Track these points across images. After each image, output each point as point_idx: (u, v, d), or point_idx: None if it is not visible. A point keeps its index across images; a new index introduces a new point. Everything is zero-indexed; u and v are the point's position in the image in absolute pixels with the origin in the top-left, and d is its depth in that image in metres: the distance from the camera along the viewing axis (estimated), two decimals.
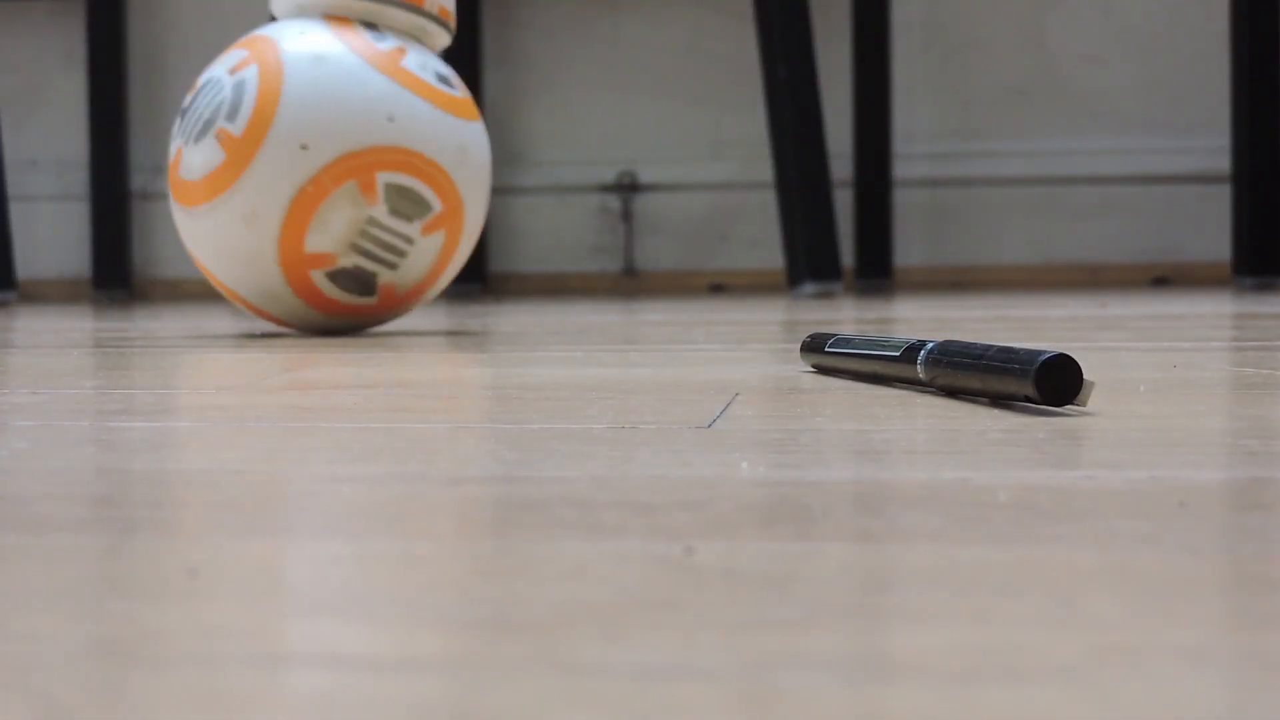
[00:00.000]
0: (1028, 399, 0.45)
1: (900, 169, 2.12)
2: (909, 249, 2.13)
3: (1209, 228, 2.07)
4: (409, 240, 0.97)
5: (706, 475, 0.34)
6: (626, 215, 2.18)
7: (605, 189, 2.18)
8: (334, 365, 0.72)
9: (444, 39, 1.04)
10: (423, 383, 0.61)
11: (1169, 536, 0.27)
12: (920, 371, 0.52)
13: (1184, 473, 0.34)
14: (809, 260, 1.75)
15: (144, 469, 0.37)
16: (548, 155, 2.20)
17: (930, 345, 0.52)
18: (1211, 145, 2.06)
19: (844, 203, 2.08)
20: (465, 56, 2.14)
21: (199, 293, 2.22)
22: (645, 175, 2.18)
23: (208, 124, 0.97)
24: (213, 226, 0.97)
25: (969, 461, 0.36)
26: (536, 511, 0.30)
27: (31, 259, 2.26)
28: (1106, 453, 0.37)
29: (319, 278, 0.97)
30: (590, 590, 0.23)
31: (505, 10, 2.20)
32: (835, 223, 1.78)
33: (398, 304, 1.01)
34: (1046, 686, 0.18)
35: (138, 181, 2.24)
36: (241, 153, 0.95)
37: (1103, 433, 0.41)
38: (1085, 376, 0.45)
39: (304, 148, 0.94)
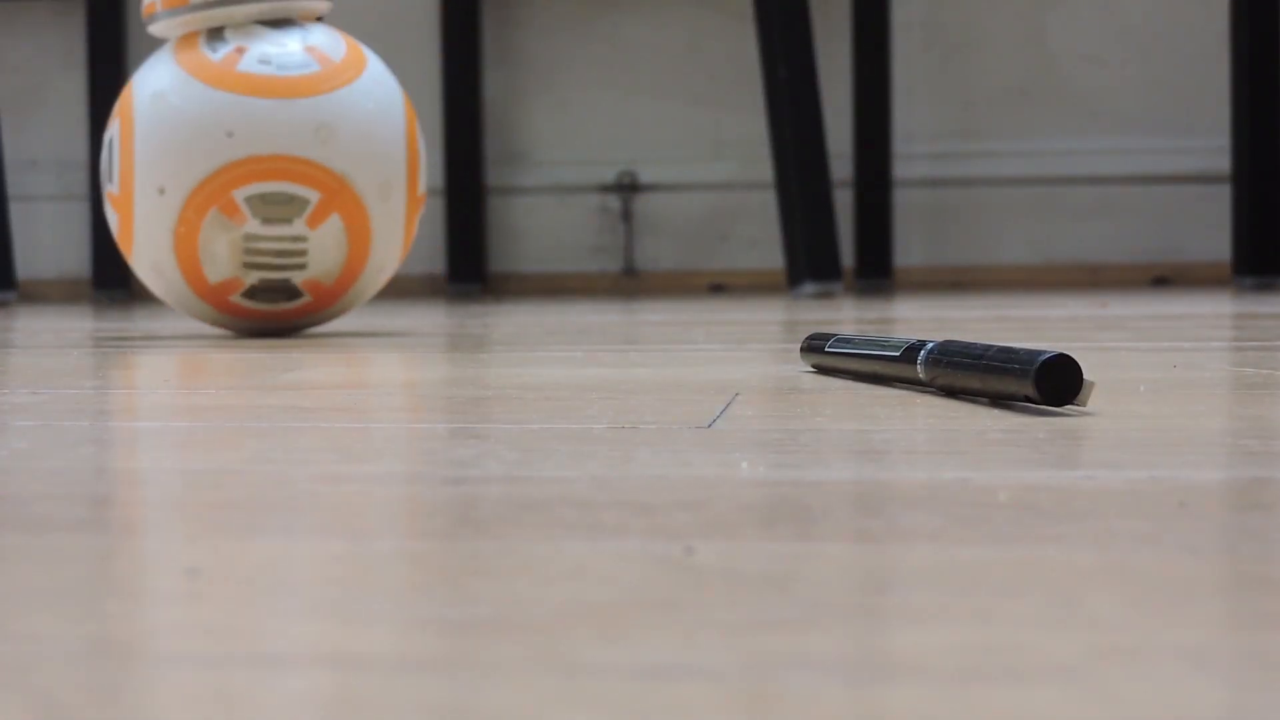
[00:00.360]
0: (1028, 399, 0.45)
1: (900, 169, 2.12)
2: (909, 249, 2.13)
3: (1209, 228, 2.07)
4: (299, 239, 0.95)
5: (706, 475, 0.34)
6: (626, 215, 2.18)
7: (605, 189, 2.18)
8: (334, 365, 0.72)
9: (322, 6, 0.99)
10: (423, 383, 0.61)
11: (1169, 536, 0.27)
12: (920, 371, 0.52)
13: (1184, 473, 0.34)
14: (809, 260, 1.75)
15: (144, 469, 0.37)
16: (548, 155, 2.20)
17: (930, 345, 0.52)
18: (1211, 145, 2.06)
19: (844, 203, 2.08)
20: (465, 56, 2.14)
21: None
22: (645, 175, 2.18)
23: (103, 187, 0.99)
24: (144, 277, 0.99)
25: (969, 461, 0.36)
26: (536, 511, 0.30)
27: (31, 259, 2.26)
28: (1106, 453, 0.37)
29: (240, 300, 0.97)
30: (590, 590, 0.23)
31: (505, 10, 2.20)
32: (835, 223, 1.78)
33: (336, 292, 0.99)
34: (1046, 686, 0.18)
35: None
36: (125, 211, 0.96)
37: (1103, 433, 0.41)
38: (1085, 376, 0.45)
39: (161, 192, 0.94)
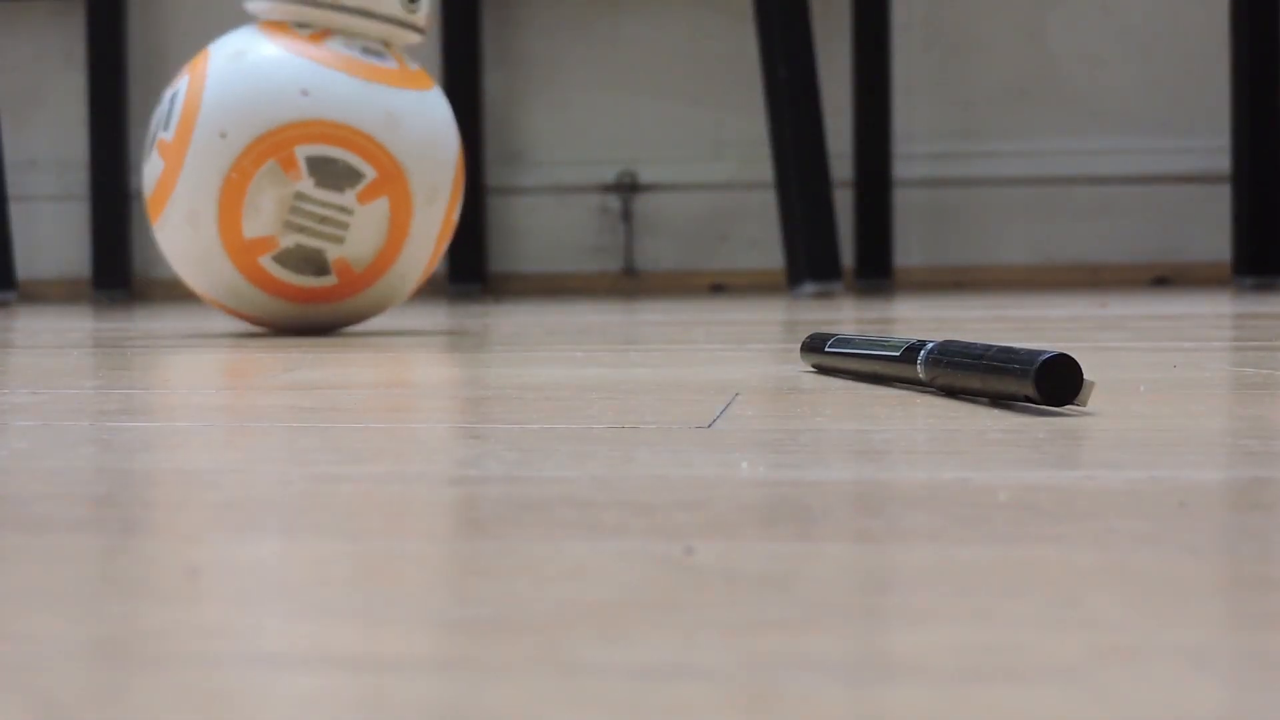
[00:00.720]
0: (1028, 399, 0.45)
1: (900, 169, 2.12)
2: (909, 249, 2.13)
3: (1209, 228, 2.07)
4: (346, 210, 0.96)
5: (706, 475, 0.34)
6: (626, 215, 2.18)
7: (605, 189, 2.18)
8: (334, 365, 0.72)
9: (413, 37, 1.03)
10: (423, 383, 0.61)
11: (1169, 536, 0.27)
12: (920, 371, 0.52)
13: (1184, 473, 0.34)
14: (809, 260, 1.75)
15: (144, 469, 0.37)
16: (548, 155, 2.20)
17: (930, 345, 0.52)
18: (1211, 145, 2.06)
19: (844, 203, 2.08)
20: (465, 56, 2.14)
21: None
22: (645, 175, 2.18)
23: (152, 139, 1.00)
24: (169, 235, 1.00)
25: (969, 461, 0.36)
26: (536, 511, 0.30)
27: (31, 259, 2.26)
28: (1106, 453, 0.37)
29: (268, 263, 0.98)
30: (590, 590, 0.23)
31: (505, 10, 2.20)
32: (835, 223, 1.78)
33: (361, 282, 1.00)
34: (1046, 686, 0.18)
35: (138, 181, 2.24)
36: (176, 157, 0.97)
37: (1103, 433, 0.41)
38: (1085, 376, 0.45)
39: (222, 136, 0.95)
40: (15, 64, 2.28)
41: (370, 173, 0.96)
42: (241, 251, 0.97)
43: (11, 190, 2.19)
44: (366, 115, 0.96)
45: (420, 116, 0.99)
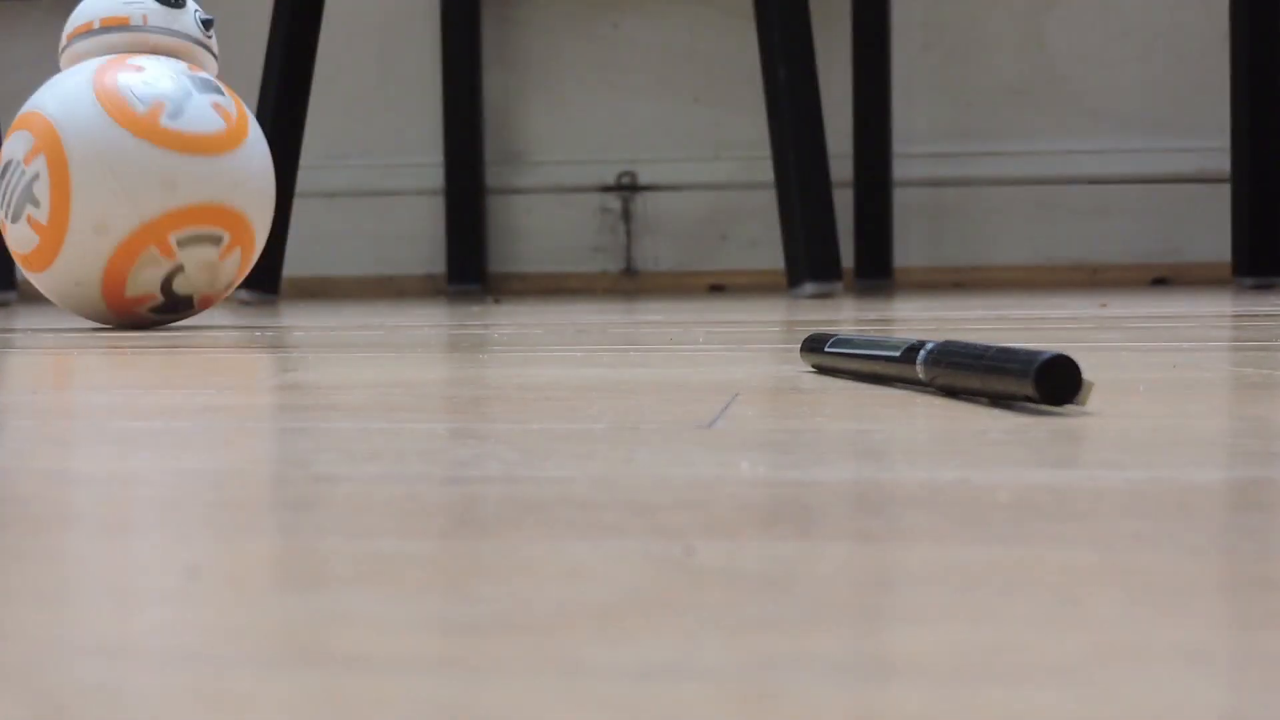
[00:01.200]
0: (1028, 399, 0.45)
1: (900, 169, 2.12)
2: (909, 249, 2.13)
3: (1209, 228, 2.07)
4: (212, 266, 1.12)
5: (706, 475, 0.34)
6: (626, 215, 2.18)
7: (605, 189, 2.18)
8: (333, 365, 0.72)
9: (212, 64, 1.19)
10: (422, 382, 0.61)
11: (1169, 536, 0.27)
12: (920, 371, 0.52)
13: (1184, 473, 0.34)
14: (809, 260, 1.75)
15: (144, 469, 0.37)
16: (548, 155, 2.20)
17: (930, 345, 0.52)
18: (1211, 145, 2.06)
19: (844, 203, 2.08)
20: (465, 56, 2.14)
21: None
22: (645, 175, 2.18)
23: (19, 208, 1.12)
24: (49, 287, 1.14)
25: (969, 461, 0.36)
26: (536, 511, 0.30)
27: None
28: (1106, 453, 0.37)
29: (144, 312, 1.14)
30: (590, 590, 0.23)
31: (505, 10, 2.20)
32: (835, 223, 1.78)
33: (215, 300, 1.17)
34: (1046, 686, 0.18)
35: None
36: (52, 238, 1.10)
37: (1103, 433, 0.41)
38: (1085, 376, 0.45)
39: (102, 230, 1.08)
40: (15, 64, 2.28)
41: (228, 236, 1.12)
42: (123, 307, 1.13)
43: None
44: (219, 189, 1.11)
45: (249, 166, 1.14)
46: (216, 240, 1.11)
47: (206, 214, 1.10)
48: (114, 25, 1.16)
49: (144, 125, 1.10)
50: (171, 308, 1.14)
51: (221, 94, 1.15)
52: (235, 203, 1.12)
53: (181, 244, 1.10)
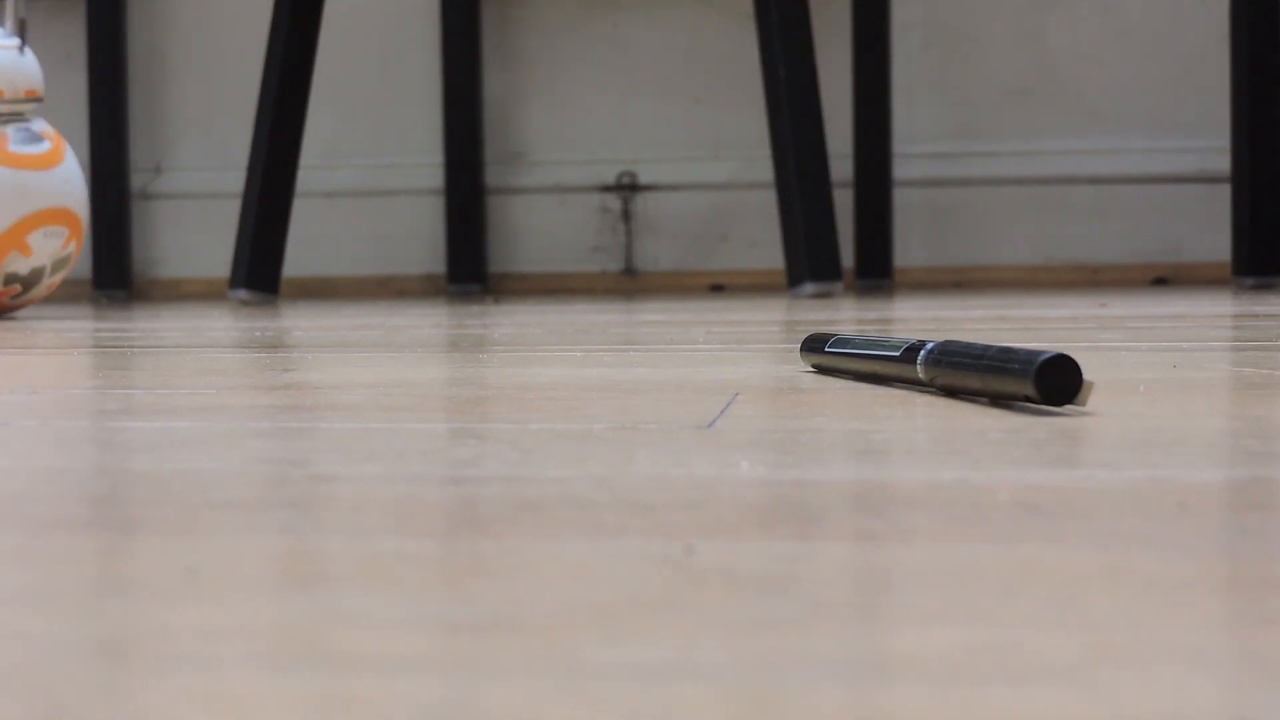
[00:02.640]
0: (1028, 399, 0.45)
1: (900, 169, 2.12)
2: (909, 249, 2.13)
3: (1209, 228, 2.07)
4: (62, 262, 1.43)
5: (706, 475, 0.34)
6: (626, 215, 2.18)
7: (605, 189, 2.18)
8: (334, 365, 0.72)
9: (34, 108, 1.43)
10: (422, 382, 0.61)
11: (1169, 536, 0.27)
12: (920, 371, 0.52)
13: (1184, 473, 0.34)
14: (809, 260, 1.75)
15: (144, 469, 0.37)
16: (547, 155, 2.20)
17: (930, 345, 0.52)
18: (1211, 145, 2.06)
19: (844, 203, 2.08)
20: (465, 56, 2.14)
21: (199, 293, 2.22)
22: (645, 175, 2.18)
23: None
24: None
25: (969, 461, 0.36)
26: (536, 511, 0.30)
27: None
28: (1106, 453, 0.37)
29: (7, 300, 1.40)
30: (590, 590, 0.23)
31: (505, 10, 2.20)
32: (835, 223, 1.78)
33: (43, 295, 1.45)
34: (1046, 686, 0.18)
35: (138, 181, 2.24)
36: None
37: (1103, 433, 0.41)
38: (1085, 376, 0.45)
39: None
40: None
41: (67, 232, 1.43)
42: None
43: None
44: (59, 195, 1.41)
45: (74, 175, 1.45)
46: (62, 236, 1.41)
47: (57, 215, 1.41)
48: None
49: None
50: (26, 292, 1.42)
51: (42, 128, 1.44)
52: (77, 208, 1.43)
53: (36, 241, 1.38)
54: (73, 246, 1.43)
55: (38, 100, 1.44)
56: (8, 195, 1.36)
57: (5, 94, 1.40)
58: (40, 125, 1.42)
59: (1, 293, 1.40)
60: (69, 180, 1.41)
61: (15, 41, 1.42)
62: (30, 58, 1.43)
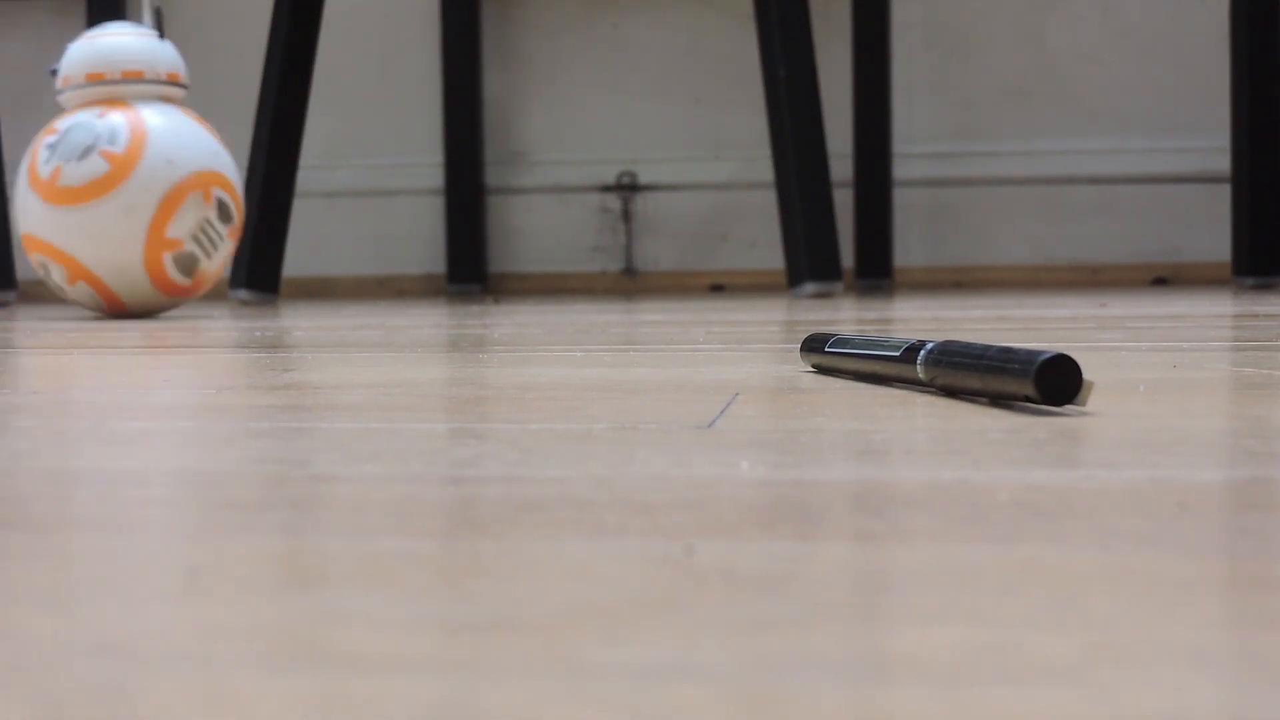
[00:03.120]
0: (1028, 399, 0.45)
1: (900, 169, 2.12)
2: (909, 249, 2.13)
3: (1209, 228, 2.07)
4: (222, 239, 1.44)
5: (706, 475, 0.34)
6: (626, 215, 2.18)
7: (605, 189, 2.18)
8: (334, 365, 0.72)
9: (180, 93, 1.48)
10: (422, 382, 0.61)
11: (1169, 536, 0.27)
12: (920, 371, 0.52)
13: (1184, 473, 0.34)
14: (809, 260, 1.75)
15: (144, 469, 0.37)
16: (548, 155, 2.20)
17: (930, 345, 0.52)
18: (1211, 145, 2.06)
19: (844, 203, 2.08)
20: (465, 56, 2.14)
21: None
22: (645, 175, 2.18)
23: (89, 148, 1.39)
24: (92, 218, 1.38)
25: (969, 461, 0.36)
26: (536, 511, 0.30)
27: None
28: (1106, 453, 0.37)
29: (168, 259, 1.41)
30: (590, 590, 0.23)
31: (505, 10, 2.20)
32: (835, 223, 1.78)
33: (198, 289, 1.46)
34: (1046, 686, 0.18)
35: None
36: (124, 165, 1.39)
37: (1103, 433, 0.41)
38: (1085, 376, 0.45)
39: (169, 163, 1.40)
40: (15, 64, 2.28)
41: (237, 218, 1.46)
42: (155, 245, 1.39)
43: (11, 190, 2.19)
44: (235, 177, 1.47)
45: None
46: (231, 215, 1.46)
47: (233, 189, 1.46)
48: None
49: (190, 114, 1.47)
50: (182, 265, 1.42)
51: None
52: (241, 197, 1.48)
53: (217, 202, 1.43)
54: (231, 242, 1.47)
55: (180, 85, 1.47)
56: (202, 142, 1.42)
57: (145, 74, 1.44)
58: (96, 170, 1.40)
59: (168, 244, 1.41)
60: (88, 223, 1.41)
61: (153, 31, 1.47)
62: (169, 46, 1.48)
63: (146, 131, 1.41)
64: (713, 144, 2.17)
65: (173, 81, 1.47)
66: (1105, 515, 0.29)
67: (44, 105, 2.27)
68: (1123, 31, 2.08)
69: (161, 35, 1.47)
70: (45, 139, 1.42)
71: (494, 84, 2.19)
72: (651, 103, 2.17)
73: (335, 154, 2.22)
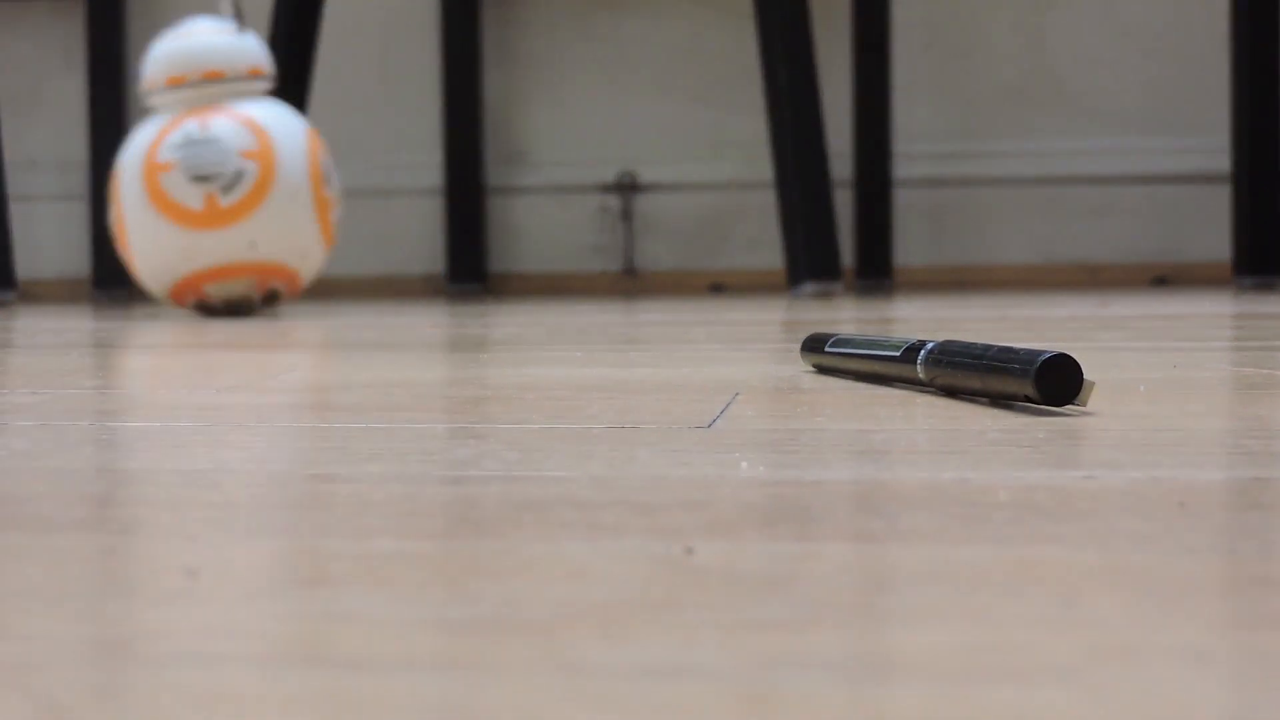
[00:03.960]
0: (1028, 399, 0.45)
1: (900, 169, 2.12)
2: (909, 249, 2.13)
3: (1209, 228, 2.07)
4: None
5: (706, 475, 0.34)
6: (626, 215, 2.18)
7: (605, 189, 2.18)
8: (334, 365, 0.72)
9: (262, 88, 1.45)
10: (422, 382, 0.61)
11: (1169, 536, 0.27)
12: (920, 371, 0.52)
13: (1184, 473, 0.34)
14: (809, 260, 1.75)
15: (144, 469, 0.37)
16: (548, 155, 2.20)
17: (930, 345, 0.52)
18: (1211, 145, 2.06)
19: (844, 203, 2.08)
20: (465, 56, 2.14)
21: None
22: (645, 175, 2.18)
23: (232, 150, 1.38)
24: (276, 206, 1.40)
25: (969, 461, 0.36)
26: (536, 511, 0.30)
27: (31, 259, 2.26)
28: (1106, 453, 0.37)
29: (335, 218, 1.46)
30: (590, 590, 0.23)
31: (505, 10, 2.20)
32: (835, 223, 1.78)
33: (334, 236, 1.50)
34: (1046, 686, 0.18)
35: None
36: (266, 159, 1.39)
37: (1103, 433, 0.41)
38: (1085, 376, 0.45)
39: (292, 136, 1.41)
40: (15, 64, 2.28)
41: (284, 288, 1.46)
42: (328, 224, 1.44)
43: (11, 190, 2.19)
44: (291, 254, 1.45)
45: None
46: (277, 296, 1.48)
47: (284, 275, 1.47)
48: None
49: (318, 195, 1.45)
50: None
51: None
52: (294, 264, 1.46)
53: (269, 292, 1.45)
54: (278, 285, 1.44)
55: (264, 78, 1.43)
56: (173, 255, 1.37)
57: (226, 74, 1.40)
58: (249, 175, 1.39)
59: (336, 223, 1.45)
60: (259, 227, 1.39)
61: (232, 24, 1.43)
62: (251, 38, 1.43)
63: (257, 121, 1.40)
64: (713, 144, 2.17)
65: (255, 76, 1.44)
66: (1105, 515, 0.29)
67: (44, 105, 2.28)
68: (1123, 31, 2.08)
69: (241, 27, 1.44)
70: (160, 175, 1.37)
71: (494, 84, 2.19)
72: (651, 103, 2.17)
73: (335, 154, 2.22)
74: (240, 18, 1.44)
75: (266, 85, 1.44)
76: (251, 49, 1.42)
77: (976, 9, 2.11)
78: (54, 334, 1.10)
